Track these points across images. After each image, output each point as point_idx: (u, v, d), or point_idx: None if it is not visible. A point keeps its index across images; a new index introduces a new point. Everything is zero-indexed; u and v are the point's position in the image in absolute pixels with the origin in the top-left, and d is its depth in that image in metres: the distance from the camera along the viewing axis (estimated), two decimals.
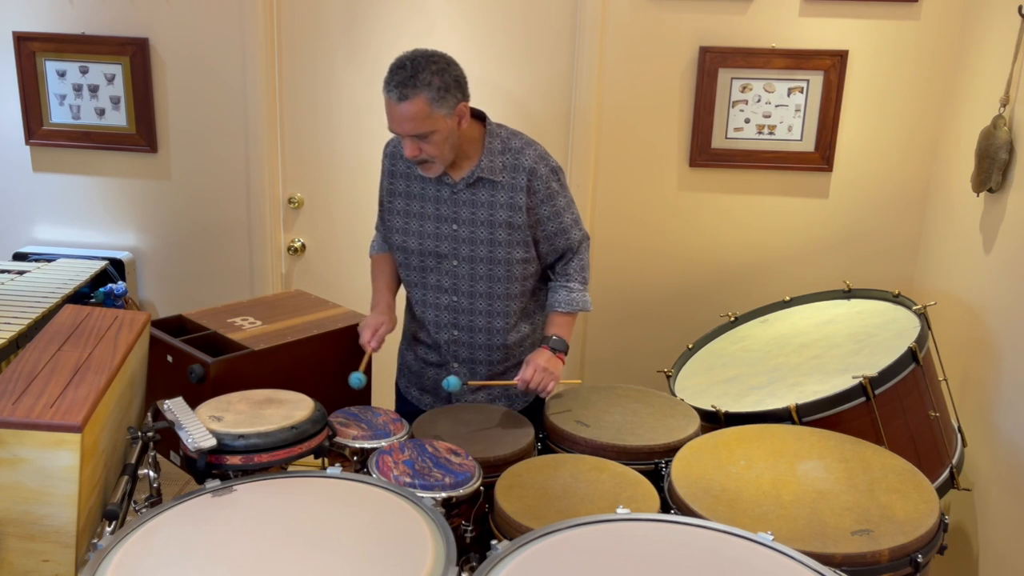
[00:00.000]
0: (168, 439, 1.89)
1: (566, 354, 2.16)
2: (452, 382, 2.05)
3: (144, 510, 1.60)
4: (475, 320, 2.21)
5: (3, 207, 3.25)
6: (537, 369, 2.07)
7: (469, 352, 2.24)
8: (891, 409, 2.09)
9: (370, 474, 1.69)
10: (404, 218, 2.18)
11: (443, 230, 2.15)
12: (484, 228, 2.13)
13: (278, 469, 1.66)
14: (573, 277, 2.22)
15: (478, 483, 1.73)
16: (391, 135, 2.25)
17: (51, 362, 1.64)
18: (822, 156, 2.93)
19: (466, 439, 1.98)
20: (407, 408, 2.37)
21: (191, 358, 1.97)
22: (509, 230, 2.13)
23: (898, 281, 3.02)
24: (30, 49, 3.05)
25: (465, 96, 2.00)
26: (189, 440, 1.58)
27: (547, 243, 2.18)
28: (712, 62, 2.87)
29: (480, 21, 2.96)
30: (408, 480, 1.65)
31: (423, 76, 1.91)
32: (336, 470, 1.60)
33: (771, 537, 1.40)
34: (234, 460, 1.61)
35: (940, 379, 2.33)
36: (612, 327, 3.17)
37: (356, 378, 2.06)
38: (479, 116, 2.13)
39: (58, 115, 3.12)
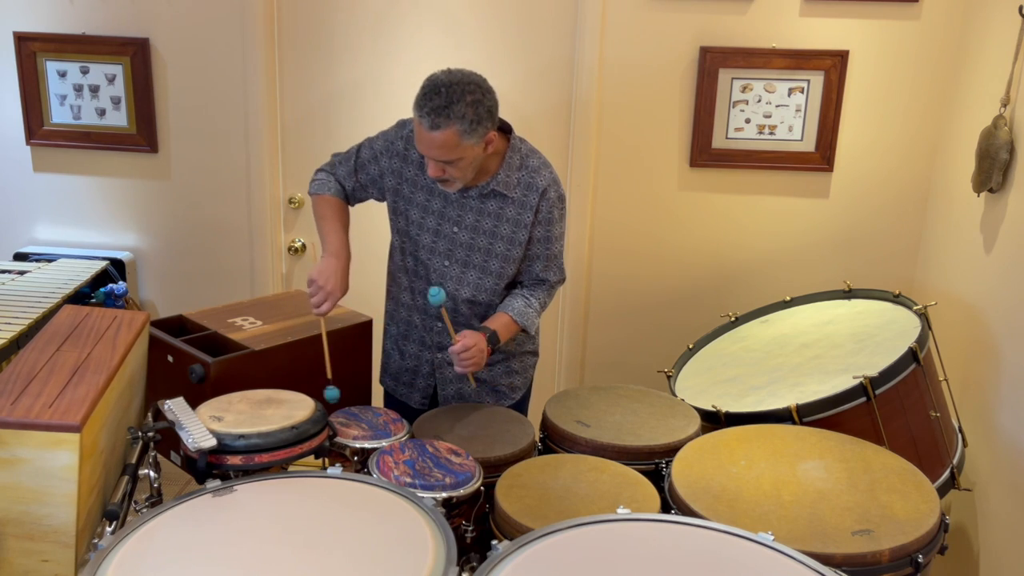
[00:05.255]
0: (169, 439, 1.89)
1: (494, 353, 2.12)
2: (436, 293, 1.98)
3: (144, 510, 1.60)
4: (457, 317, 2.21)
5: (3, 207, 3.25)
6: (477, 347, 2.00)
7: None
8: (892, 409, 2.09)
9: (371, 474, 1.69)
10: (414, 208, 2.16)
11: (444, 229, 2.14)
12: (485, 238, 2.12)
13: (278, 469, 1.66)
14: (536, 297, 2.19)
15: (478, 483, 1.73)
16: (392, 129, 2.23)
17: (50, 362, 1.64)
18: (823, 156, 2.93)
19: (466, 439, 1.98)
20: (394, 406, 2.36)
21: (191, 358, 1.97)
22: (509, 245, 2.12)
23: (899, 281, 3.02)
24: (31, 49, 3.05)
25: (495, 124, 1.98)
26: (189, 440, 1.58)
27: (526, 263, 2.17)
28: (712, 62, 2.87)
29: (480, 21, 2.96)
30: (409, 480, 1.65)
31: (457, 108, 1.88)
32: (337, 470, 1.60)
33: (771, 537, 1.40)
34: (234, 460, 1.61)
35: (941, 379, 2.32)
36: (612, 327, 3.17)
37: (332, 393, 1.98)
38: (504, 128, 2.11)
39: (59, 115, 3.12)
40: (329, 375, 2.02)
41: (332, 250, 2.11)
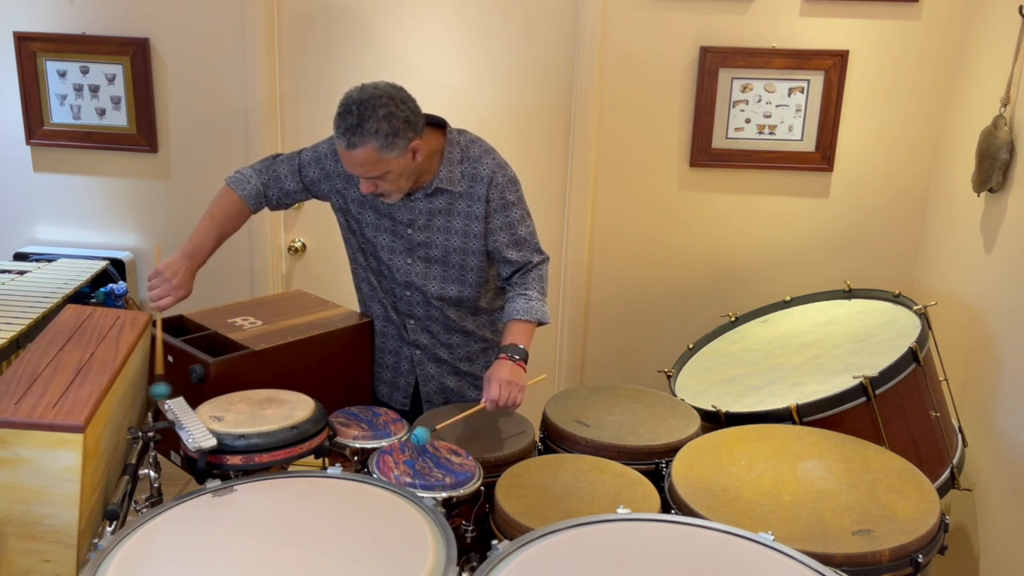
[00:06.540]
0: (169, 439, 1.89)
1: (526, 362, 2.05)
2: (420, 435, 1.77)
3: (145, 510, 1.61)
4: (431, 311, 2.21)
5: (4, 207, 3.25)
6: (502, 384, 1.95)
7: (429, 338, 2.24)
8: (892, 409, 2.09)
9: (371, 474, 1.69)
10: (367, 211, 2.15)
11: (399, 230, 2.14)
12: (440, 235, 2.13)
13: (278, 469, 1.67)
14: (531, 287, 2.15)
15: (479, 483, 1.73)
16: None
17: (53, 362, 1.64)
18: (823, 156, 2.93)
19: (467, 439, 1.98)
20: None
21: (192, 358, 1.98)
22: (464, 239, 2.12)
23: (898, 281, 3.02)
24: (31, 49, 3.05)
25: (418, 133, 1.95)
26: (190, 440, 1.59)
27: (499, 254, 2.15)
28: (713, 62, 2.87)
29: (479, 22, 2.96)
30: (409, 480, 1.65)
31: (369, 124, 1.87)
32: (337, 470, 1.61)
33: (771, 537, 1.41)
34: (235, 460, 1.61)
35: (941, 379, 2.33)
36: (612, 327, 3.17)
37: (160, 389, 1.78)
38: (439, 124, 2.10)
39: (59, 115, 3.12)
40: (160, 371, 1.90)
41: (189, 249, 2.04)
